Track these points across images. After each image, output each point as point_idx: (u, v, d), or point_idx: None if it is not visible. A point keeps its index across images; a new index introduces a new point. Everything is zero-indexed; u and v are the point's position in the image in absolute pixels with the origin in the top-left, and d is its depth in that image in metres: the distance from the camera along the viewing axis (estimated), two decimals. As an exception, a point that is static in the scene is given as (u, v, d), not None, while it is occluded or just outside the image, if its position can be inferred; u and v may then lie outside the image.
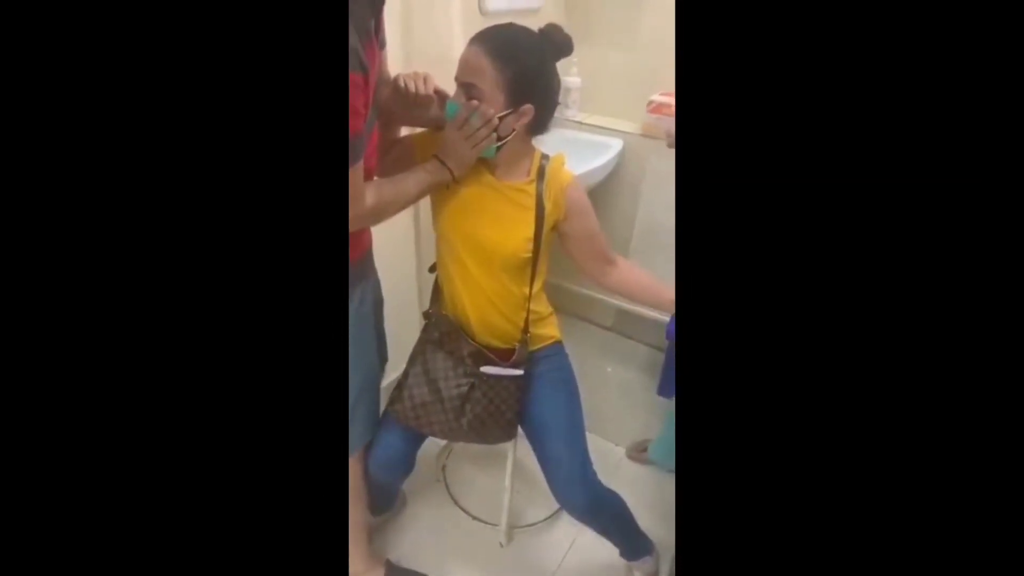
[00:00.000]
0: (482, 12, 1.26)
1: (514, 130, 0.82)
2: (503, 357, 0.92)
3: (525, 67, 0.80)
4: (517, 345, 0.92)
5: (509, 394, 0.91)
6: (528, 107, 0.81)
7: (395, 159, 0.94)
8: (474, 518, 1.24)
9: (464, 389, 0.90)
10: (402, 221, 1.31)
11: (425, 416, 0.92)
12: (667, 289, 0.94)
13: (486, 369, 0.90)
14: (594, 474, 0.94)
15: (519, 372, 0.91)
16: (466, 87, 0.79)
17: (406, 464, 1.00)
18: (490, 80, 0.78)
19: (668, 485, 1.33)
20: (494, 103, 0.79)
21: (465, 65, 0.79)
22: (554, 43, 0.83)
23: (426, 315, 0.99)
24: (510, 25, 0.82)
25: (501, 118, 0.80)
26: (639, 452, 1.42)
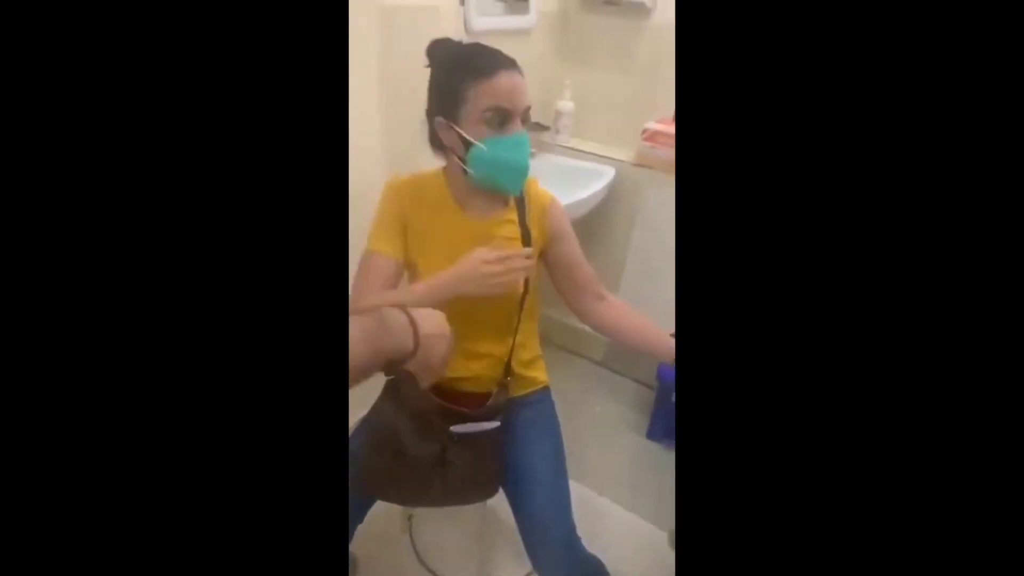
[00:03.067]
0: (468, 32, 1.19)
1: None
2: (476, 404, 0.81)
3: None
4: (495, 390, 0.83)
5: (488, 450, 0.81)
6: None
7: None
8: (441, 578, 1.14)
9: (435, 452, 0.79)
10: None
11: (396, 485, 0.82)
12: (662, 334, 0.84)
13: (457, 428, 0.79)
14: (579, 539, 0.82)
15: (495, 424, 0.81)
16: (526, 113, 0.75)
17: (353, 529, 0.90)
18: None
19: (658, 542, 1.23)
20: None
21: (519, 91, 0.74)
22: None
23: (386, 371, 0.88)
24: (485, 45, 0.77)
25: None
26: None
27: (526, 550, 0.81)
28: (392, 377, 0.85)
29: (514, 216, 0.81)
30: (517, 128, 0.74)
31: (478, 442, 0.80)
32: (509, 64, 0.73)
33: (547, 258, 0.86)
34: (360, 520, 0.88)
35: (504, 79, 0.72)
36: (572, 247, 0.86)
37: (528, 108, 0.75)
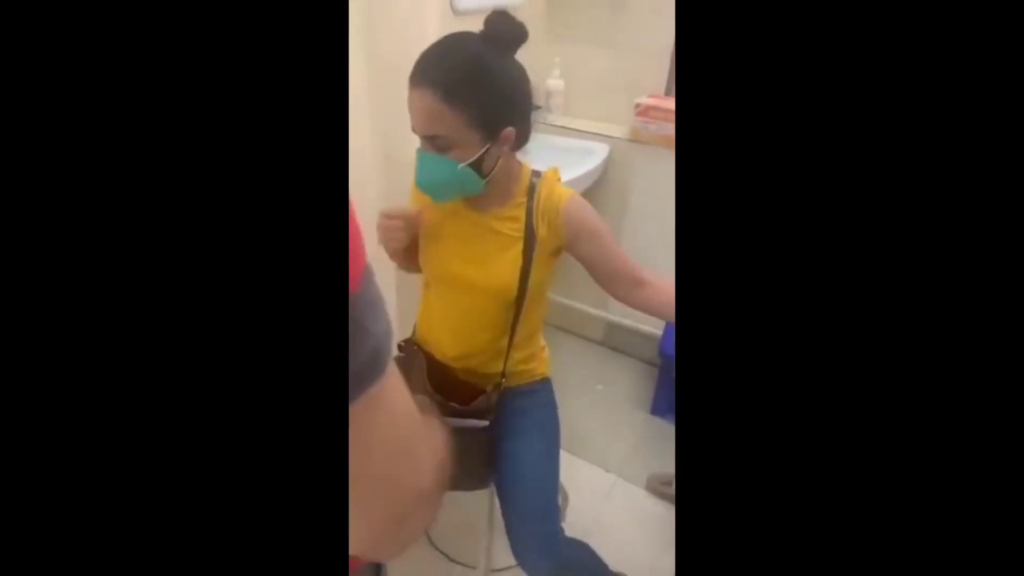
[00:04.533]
0: (454, 12, 1.17)
1: (499, 158, 0.72)
2: (469, 398, 0.81)
3: (489, 93, 0.67)
4: (488, 389, 0.82)
5: (475, 445, 0.81)
6: (508, 131, 0.70)
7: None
8: (451, 560, 1.15)
9: None
10: (370, 225, 1.21)
11: None
12: None
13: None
14: (561, 534, 0.82)
15: (483, 424, 0.80)
16: (431, 140, 0.68)
17: None
18: (454, 125, 0.66)
19: (663, 512, 1.24)
20: (468, 146, 0.68)
21: (420, 115, 0.67)
22: (504, 39, 0.68)
23: (400, 347, 0.90)
24: (447, 46, 0.68)
25: (480, 158, 0.69)
26: (662, 485, 1.30)
27: (509, 544, 0.80)
28: (402, 354, 0.87)
29: (519, 213, 0.77)
30: (423, 146, 0.70)
31: (462, 437, 0.79)
32: (418, 80, 0.66)
33: (576, 256, 0.82)
34: None
35: (410, 97, 0.67)
36: (599, 242, 0.80)
37: (431, 136, 0.68)
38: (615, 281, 0.84)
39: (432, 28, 1.13)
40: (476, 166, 0.69)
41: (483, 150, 0.69)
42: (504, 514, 0.82)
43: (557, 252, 0.81)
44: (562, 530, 0.82)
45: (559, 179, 0.80)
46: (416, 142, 0.74)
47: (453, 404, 0.80)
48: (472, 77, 0.66)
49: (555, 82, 1.51)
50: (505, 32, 0.68)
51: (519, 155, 0.81)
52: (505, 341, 0.84)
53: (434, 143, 0.68)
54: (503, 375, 0.84)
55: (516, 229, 0.77)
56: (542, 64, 1.52)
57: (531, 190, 0.77)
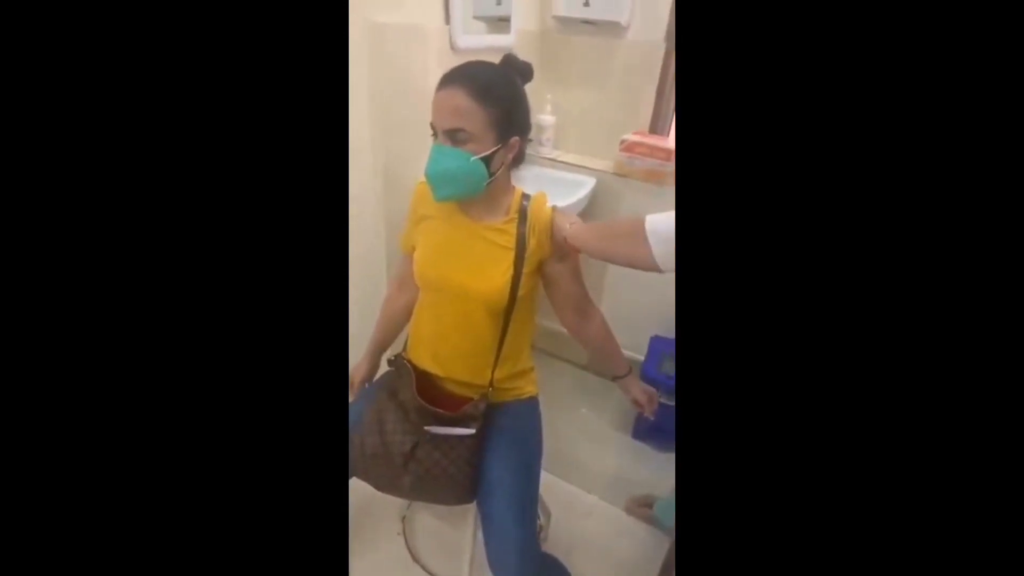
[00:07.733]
0: (453, 49, 1.25)
1: (503, 164, 0.81)
2: (456, 407, 0.86)
3: (508, 101, 0.78)
4: (475, 397, 0.86)
5: (460, 455, 0.84)
6: (515, 140, 0.80)
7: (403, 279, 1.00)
8: (434, 576, 1.16)
9: (407, 447, 0.84)
10: (372, 245, 1.26)
11: (373, 468, 0.86)
12: (621, 360, 0.99)
13: (430, 428, 0.84)
14: (536, 548, 0.85)
15: (468, 432, 0.84)
16: (452, 133, 0.76)
17: None
18: (479, 121, 0.75)
19: (640, 532, 1.27)
20: (484, 142, 0.76)
21: (446, 109, 0.75)
22: (519, 71, 0.82)
23: (390, 362, 0.95)
24: (478, 62, 0.80)
25: (492, 154, 0.78)
26: (640, 507, 1.33)
27: (486, 554, 0.83)
28: (393, 367, 0.91)
29: (510, 228, 0.84)
30: (438, 141, 0.78)
31: (448, 445, 0.84)
32: (451, 82, 0.75)
33: (546, 271, 0.88)
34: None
35: (439, 96, 0.76)
36: (568, 267, 0.88)
37: (453, 130, 0.75)
38: (569, 306, 0.92)
39: (432, 63, 1.21)
40: (486, 162, 0.78)
41: (495, 148, 0.78)
42: (482, 527, 0.85)
43: (539, 267, 0.87)
44: (538, 546, 0.85)
45: (547, 201, 0.88)
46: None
47: (440, 411, 0.84)
48: (500, 83, 0.77)
49: (547, 117, 1.60)
50: (518, 66, 0.82)
51: (514, 181, 0.88)
52: (493, 353, 0.88)
53: (454, 137, 0.76)
54: (490, 385, 0.88)
55: (508, 242, 0.84)
56: (535, 100, 1.58)
57: (523, 210, 0.85)
